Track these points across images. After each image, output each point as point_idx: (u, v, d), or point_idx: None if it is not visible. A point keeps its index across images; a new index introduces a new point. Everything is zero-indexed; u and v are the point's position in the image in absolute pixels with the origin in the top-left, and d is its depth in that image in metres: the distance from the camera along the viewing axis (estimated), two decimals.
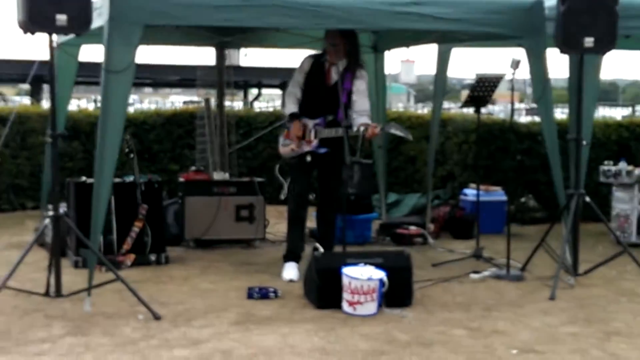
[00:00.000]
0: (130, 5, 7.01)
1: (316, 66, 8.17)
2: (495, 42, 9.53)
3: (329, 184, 8.25)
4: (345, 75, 8.04)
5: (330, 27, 7.95)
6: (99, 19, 7.19)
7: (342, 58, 8.07)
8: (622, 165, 10.31)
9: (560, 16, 7.71)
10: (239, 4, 7.36)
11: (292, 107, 8.19)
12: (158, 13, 7.17)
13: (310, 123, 8.12)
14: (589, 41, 7.70)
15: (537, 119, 11.75)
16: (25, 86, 18.92)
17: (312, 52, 8.56)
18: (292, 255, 8.22)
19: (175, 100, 28.36)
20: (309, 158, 8.12)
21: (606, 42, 7.76)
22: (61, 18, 6.42)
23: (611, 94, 68.44)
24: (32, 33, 6.49)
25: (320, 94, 8.15)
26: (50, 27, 6.45)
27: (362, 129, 7.83)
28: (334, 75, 8.06)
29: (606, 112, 24.21)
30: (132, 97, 36.25)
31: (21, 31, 6.51)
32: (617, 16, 7.71)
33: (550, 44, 7.98)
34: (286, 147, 8.23)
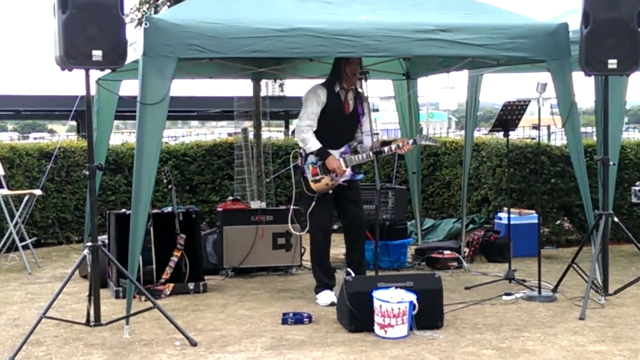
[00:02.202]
0: (163, 40, 7.20)
1: (332, 96, 8.28)
2: (526, 66, 9.63)
3: (352, 210, 8.43)
4: (356, 101, 8.30)
5: (360, 55, 8.10)
6: (135, 53, 7.42)
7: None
8: None
9: (584, 39, 7.81)
10: (269, 35, 7.51)
11: (317, 142, 8.19)
12: (191, 46, 7.33)
13: (337, 153, 8.26)
14: (612, 63, 7.78)
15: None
16: (74, 122, 19.24)
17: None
18: (327, 286, 8.37)
19: (222, 132, 28.57)
20: (331, 190, 8.28)
21: (630, 63, 7.83)
22: (97, 54, 6.60)
23: None
24: (70, 69, 6.68)
25: (340, 123, 8.29)
26: (86, 63, 6.63)
27: (393, 147, 8.09)
28: (350, 103, 8.29)
29: None
30: (180, 132, 36.68)
31: (58, 68, 6.74)
32: (639, 37, 7.80)
33: (576, 67, 8.09)
34: (319, 182, 8.25)
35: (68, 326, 7.19)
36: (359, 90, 8.42)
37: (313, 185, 8.24)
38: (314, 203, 8.22)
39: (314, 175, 8.22)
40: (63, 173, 12.53)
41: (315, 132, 8.24)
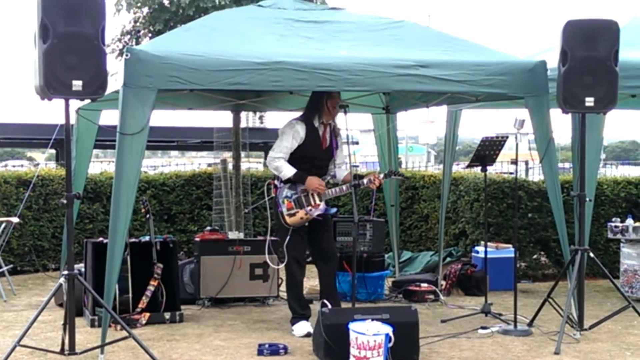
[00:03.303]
0: (144, 71, 7.24)
1: (310, 131, 8.31)
2: (505, 102, 9.72)
3: (325, 242, 8.49)
4: (331, 135, 8.40)
5: (340, 89, 8.16)
6: (115, 84, 7.45)
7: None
8: (629, 222, 10.43)
9: (562, 76, 7.89)
10: (250, 68, 7.56)
11: (291, 168, 8.21)
12: (171, 77, 7.37)
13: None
14: (589, 100, 7.86)
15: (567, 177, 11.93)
16: (53, 150, 19.20)
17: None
18: (303, 317, 8.39)
19: (201, 162, 28.55)
20: (306, 222, 8.32)
21: (607, 102, 7.91)
22: (77, 83, 6.60)
23: (632, 152, 69.06)
24: (49, 99, 6.69)
25: (316, 158, 8.35)
26: (66, 93, 6.62)
27: (365, 181, 8.15)
28: (327, 137, 8.37)
29: (629, 171, 24.23)
30: (160, 162, 36.69)
31: (38, 97, 6.74)
32: (617, 76, 7.88)
33: (554, 104, 8.16)
34: (294, 216, 8.26)
35: (42, 355, 7.16)
36: (333, 123, 8.48)
37: (288, 220, 8.25)
38: (289, 237, 8.25)
39: (289, 210, 8.23)
40: (41, 201, 12.50)
41: (294, 166, 8.26)
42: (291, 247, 8.27)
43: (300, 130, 8.27)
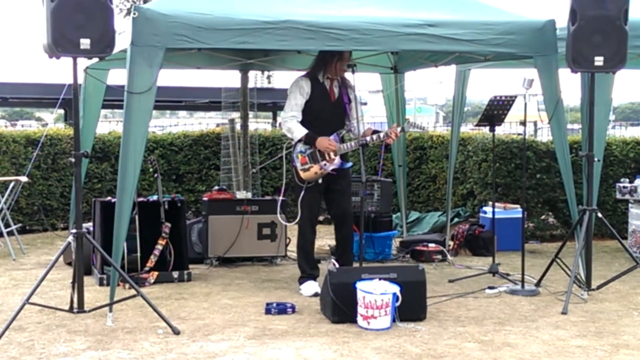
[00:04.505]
0: (151, 29, 7.20)
1: (316, 85, 8.29)
2: (513, 62, 9.66)
3: (339, 201, 8.43)
4: (341, 89, 8.34)
5: (346, 49, 8.11)
6: (123, 42, 7.43)
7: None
8: (638, 182, 10.41)
9: (571, 36, 7.83)
10: (257, 27, 7.52)
11: (302, 128, 8.17)
12: (179, 36, 7.34)
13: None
14: (598, 60, 7.81)
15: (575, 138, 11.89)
16: (61, 110, 19.19)
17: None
18: (312, 277, 8.40)
19: (209, 122, 28.53)
20: (320, 180, 8.25)
21: (616, 61, 7.85)
22: (85, 42, 6.59)
23: None
24: (57, 57, 6.68)
25: (326, 111, 8.27)
26: (74, 51, 6.61)
27: (382, 134, 8.13)
28: (335, 90, 8.32)
29: (638, 132, 24.20)
30: (168, 122, 36.64)
31: (46, 55, 6.73)
32: (626, 35, 7.82)
33: (563, 63, 8.12)
34: (308, 171, 8.21)
35: (51, 313, 7.21)
36: (344, 78, 8.45)
37: (302, 175, 8.21)
38: (303, 192, 8.23)
39: (303, 164, 8.19)
40: (49, 160, 12.54)
41: (304, 123, 8.21)
42: (305, 206, 8.23)
43: (305, 85, 8.25)
